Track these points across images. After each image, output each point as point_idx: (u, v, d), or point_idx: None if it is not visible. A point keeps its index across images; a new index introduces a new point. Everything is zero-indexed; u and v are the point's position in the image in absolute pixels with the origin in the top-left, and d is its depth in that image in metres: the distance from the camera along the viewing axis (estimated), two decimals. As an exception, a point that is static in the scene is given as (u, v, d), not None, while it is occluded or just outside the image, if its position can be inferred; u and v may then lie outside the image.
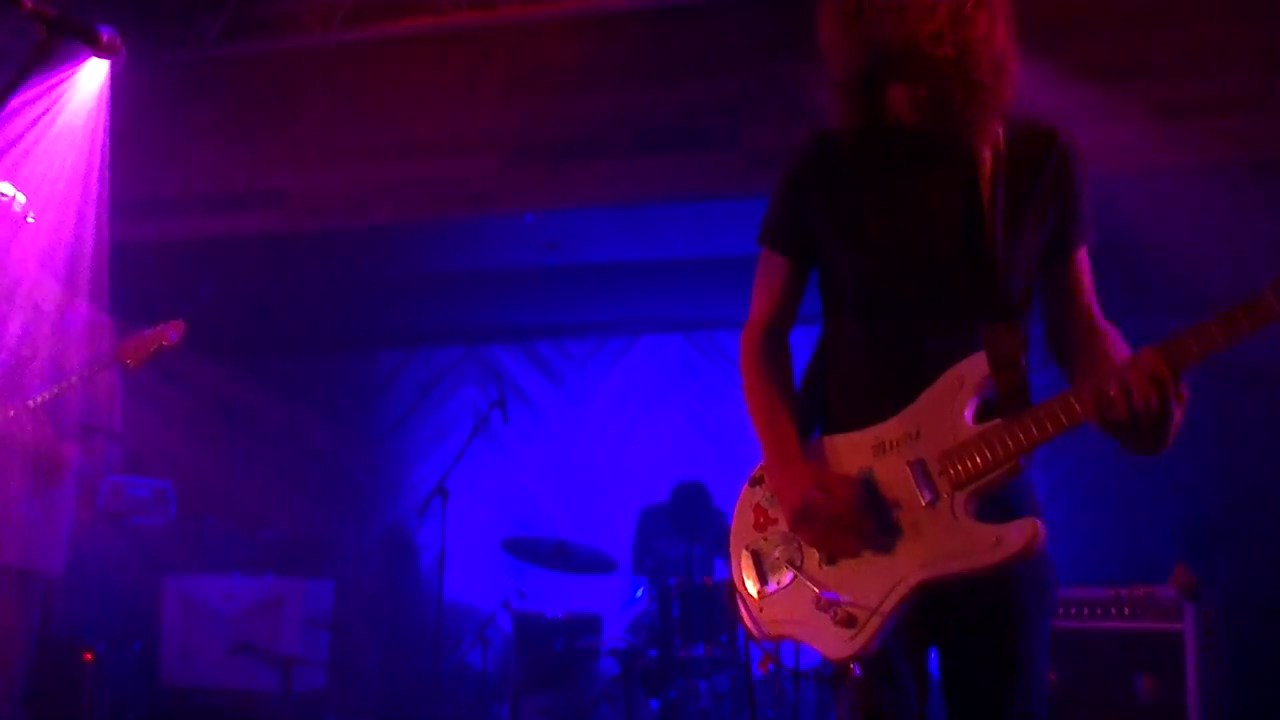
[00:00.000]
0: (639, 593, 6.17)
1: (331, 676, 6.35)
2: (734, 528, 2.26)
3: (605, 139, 5.94)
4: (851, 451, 2.13)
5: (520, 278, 7.20)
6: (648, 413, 7.74)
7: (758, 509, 2.22)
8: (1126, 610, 4.44)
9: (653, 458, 7.28)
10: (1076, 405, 1.94)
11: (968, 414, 2.02)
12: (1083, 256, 2.18)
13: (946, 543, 1.97)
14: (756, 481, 2.24)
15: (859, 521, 2.03)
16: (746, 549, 2.21)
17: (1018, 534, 1.92)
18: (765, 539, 2.18)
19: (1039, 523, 1.93)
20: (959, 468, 1.99)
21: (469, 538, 6.74)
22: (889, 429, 2.09)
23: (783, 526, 2.15)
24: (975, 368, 2.03)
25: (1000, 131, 2.11)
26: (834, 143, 2.19)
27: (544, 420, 7.94)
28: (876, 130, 2.08)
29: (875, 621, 1.98)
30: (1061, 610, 4.51)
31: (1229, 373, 6.88)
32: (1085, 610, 4.47)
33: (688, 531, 6.21)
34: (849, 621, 2.00)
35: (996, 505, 2.01)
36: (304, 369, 8.29)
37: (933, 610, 2.05)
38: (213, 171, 6.44)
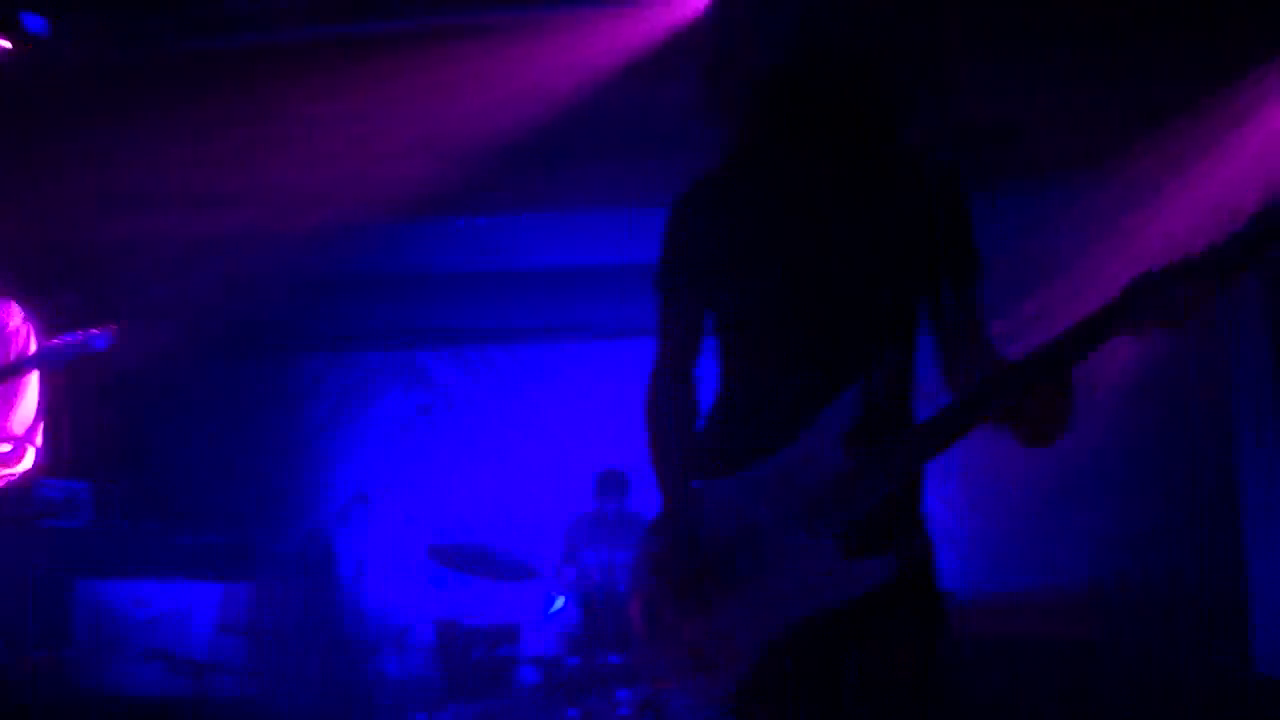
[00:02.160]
0: (559, 602, 6.15)
1: (248, 684, 6.24)
2: (636, 569, 2.23)
3: (539, 146, 5.93)
4: (737, 491, 2.09)
5: (450, 281, 7.16)
6: (574, 420, 7.72)
7: (654, 555, 2.19)
8: (1039, 617, 4.52)
9: (578, 465, 7.27)
10: (952, 420, 1.93)
11: (844, 448, 1.97)
12: (974, 289, 2.16)
13: (814, 579, 1.96)
14: (657, 527, 2.20)
15: (703, 581, 2.02)
16: (643, 591, 2.19)
17: (877, 569, 1.93)
18: (656, 582, 2.14)
19: (897, 557, 1.94)
20: (829, 502, 1.96)
21: (390, 543, 6.67)
22: (773, 465, 2.05)
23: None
24: (855, 398, 1.99)
25: (891, 160, 2.11)
26: (716, 178, 2.19)
27: (470, 425, 7.89)
28: (762, 161, 2.09)
29: (738, 665, 1.98)
30: (976, 618, 4.58)
31: (1145, 382, 7.06)
32: (999, 617, 4.55)
33: (610, 528, 6.24)
34: (716, 665, 2.00)
35: (875, 526, 1.99)
36: (227, 372, 8.14)
37: (822, 650, 2.03)
38: (151, 170, 6.31)
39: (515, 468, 7.66)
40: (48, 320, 3.96)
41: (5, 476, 3.77)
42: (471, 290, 7.25)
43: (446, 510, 7.55)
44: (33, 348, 3.75)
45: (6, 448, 3.77)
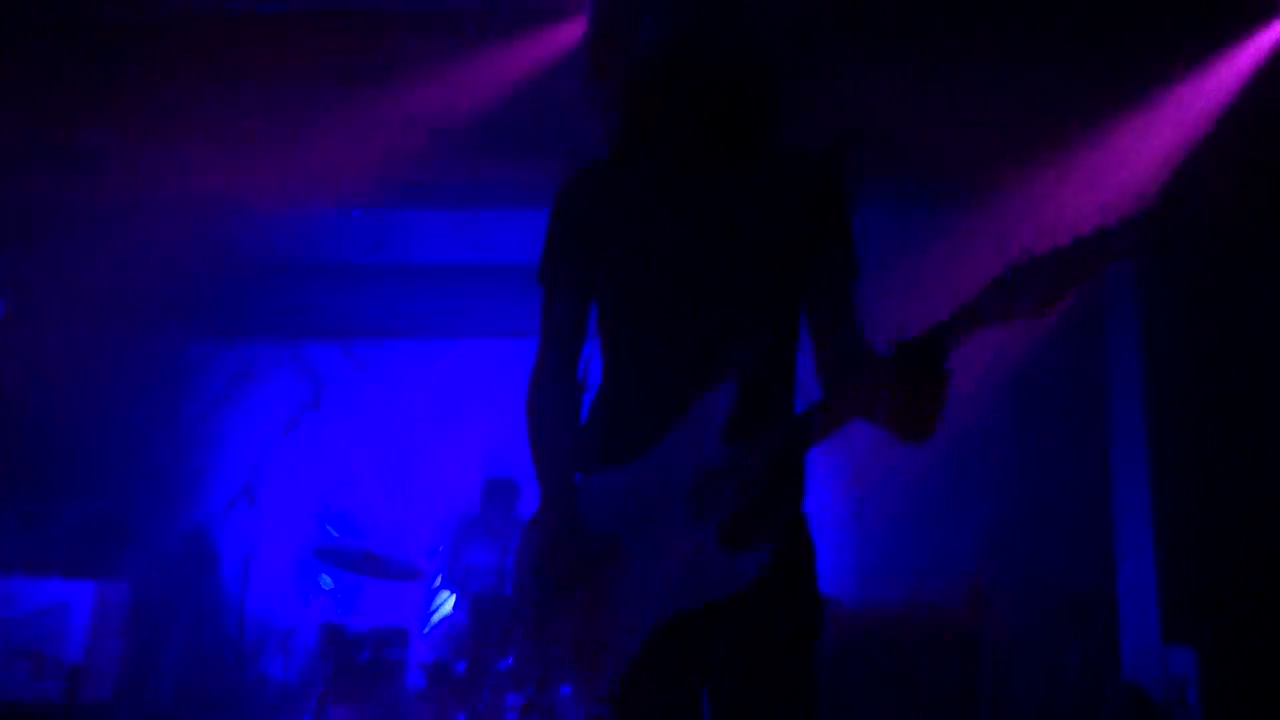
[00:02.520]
0: (445, 606, 6.07)
1: (122, 686, 6.04)
2: (519, 553, 2.23)
3: (438, 139, 5.85)
4: (616, 488, 2.10)
5: (342, 273, 7.03)
6: (466, 418, 7.65)
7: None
8: (924, 624, 4.61)
9: (468, 464, 7.20)
10: (825, 412, 1.91)
11: (716, 443, 1.98)
12: (850, 288, 2.18)
13: (686, 577, 1.96)
14: (535, 523, 2.20)
15: (583, 577, 2.04)
16: (527, 589, 2.19)
17: (750, 565, 1.92)
18: (541, 579, 2.15)
19: (767, 551, 1.92)
20: (702, 499, 1.96)
21: (275, 542, 6.52)
22: (648, 464, 2.06)
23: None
24: (726, 394, 1.99)
25: (770, 158, 2.13)
26: (601, 167, 2.20)
27: (359, 422, 7.76)
28: (642, 155, 2.10)
29: (618, 661, 1.98)
30: (863, 623, 4.65)
31: (1029, 387, 7.26)
32: (885, 623, 4.62)
33: (498, 535, 6.18)
34: (599, 661, 2.01)
35: (752, 520, 1.97)
36: (103, 348, 7.83)
37: (700, 650, 2.03)
38: (32, 137, 6.07)
39: (403, 465, 7.56)
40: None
41: None
42: (363, 283, 7.13)
43: (332, 508, 7.41)
44: None
45: None
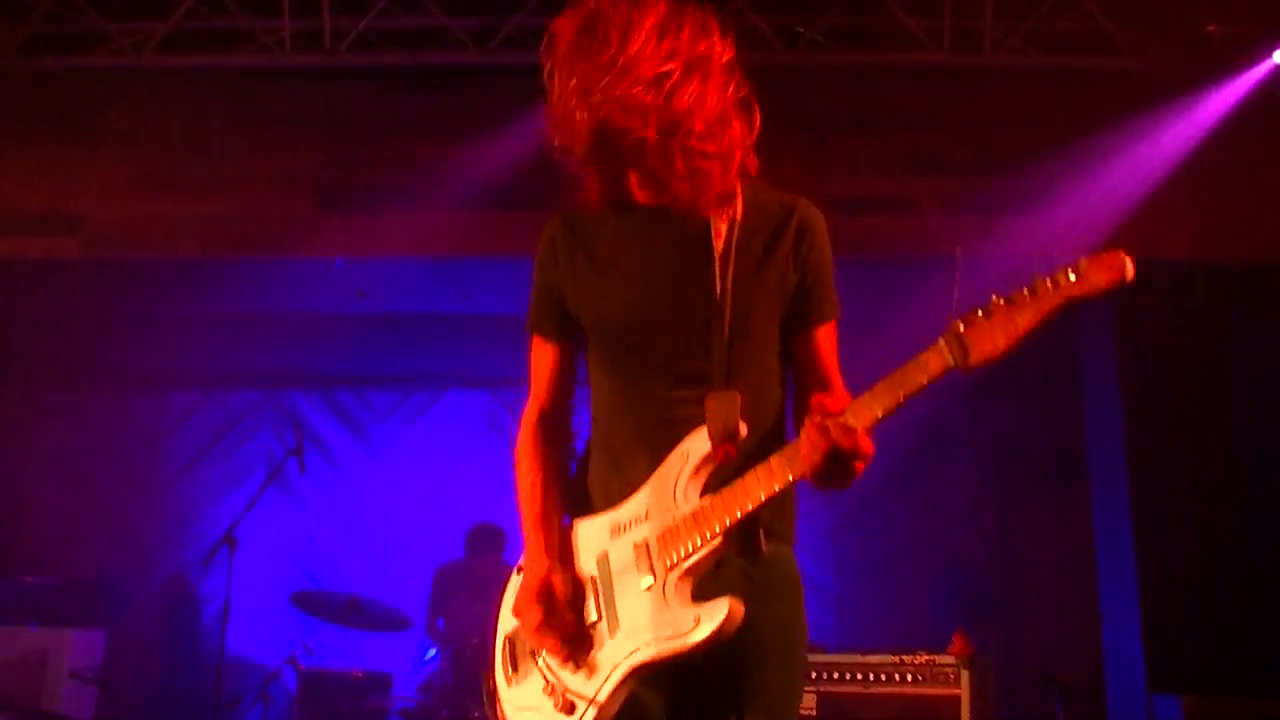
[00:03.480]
0: (430, 654, 6.04)
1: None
2: (500, 615, 2.24)
3: (422, 190, 5.91)
4: (593, 535, 2.12)
5: (326, 323, 7.04)
6: (449, 468, 7.63)
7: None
8: (909, 676, 4.60)
9: (452, 514, 7.17)
10: (777, 468, 1.93)
11: (689, 491, 2.00)
12: (825, 331, 2.18)
13: (657, 626, 1.96)
14: (520, 570, 2.21)
15: (555, 630, 2.04)
16: (506, 638, 2.21)
17: (713, 613, 1.91)
18: (520, 631, 2.17)
19: (734, 602, 1.91)
20: (672, 550, 1.98)
21: (256, 590, 6.48)
22: (626, 510, 2.08)
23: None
24: (697, 442, 2.01)
25: (739, 201, 2.13)
26: (577, 218, 2.22)
27: (342, 471, 7.74)
28: (617, 202, 2.12)
29: (592, 710, 1.98)
30: (847, 675, 4.64)
31: (1009, 457, 7.32)
32: (870, 675, 4.61)
33: (482, 583, 6.14)
34: (570, 710, 2.01)
35: (722, 567, 2.00)
36: (88, 404, 7.84)
37: (685, 675, 2.02)
38: (3, 190, 6.09)
39: (387, 514, 7.53)
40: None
41: None
42: (347, 333, 7.14)
43: (315, 556, 7.37)
44: None
45: None
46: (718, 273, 2.08)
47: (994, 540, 7.22)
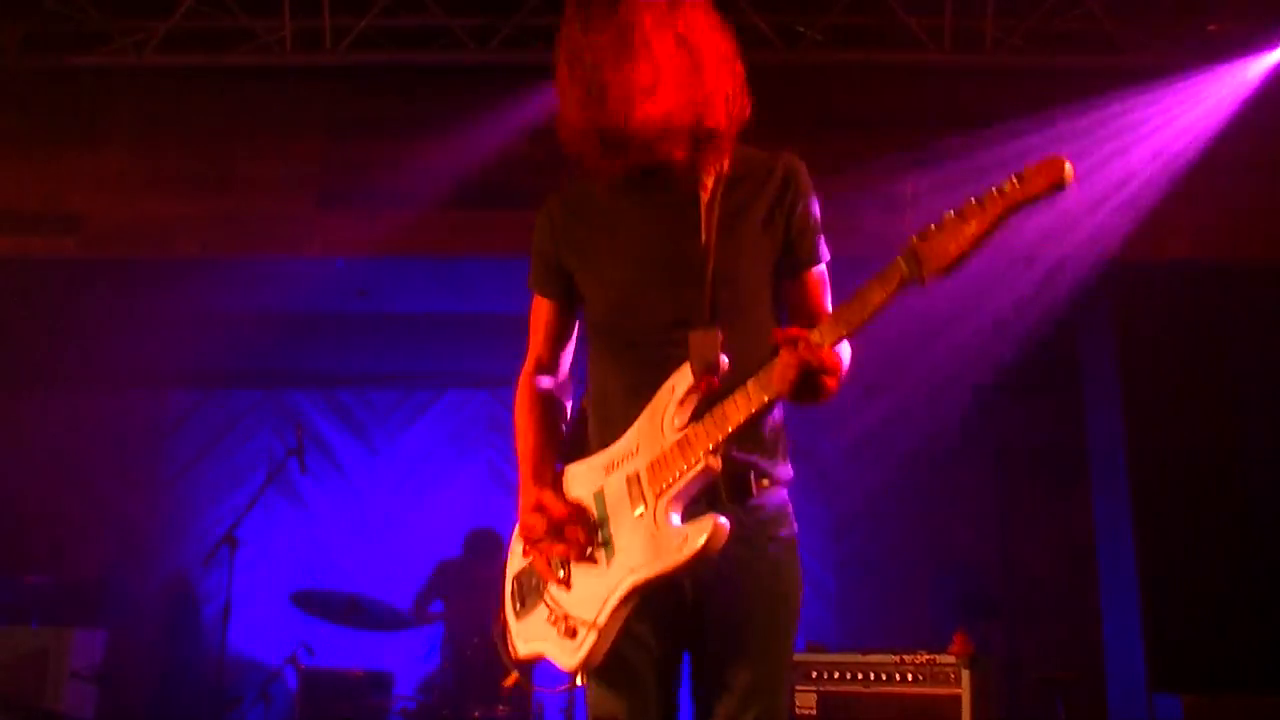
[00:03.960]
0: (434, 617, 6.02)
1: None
2: (509, 558, 2.37)
3: (422, 189, 5.90)
4: (588, 475, 2.23)
5: (327, 323, 7.04)
6: (450, 467, 7.64)
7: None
8: (909, 675, 4.60)
9: (452, 514, 7.17)
10: (753, 390, 2.03)
11: (675, 422, 2.12)
12: (815, 275, 2.30)
13: (648, 548, 2.07)
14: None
15: (565, 535, 2.15)
16: (513, 577, 2.34)
17: (699, 531, 2.01)
18: (527, 567, 2.30)
19: (719, 518, 2.01)
20: (661, 478, 2.09)
21: (257, 589, 6.48)
22: (619, 448, 2.20)
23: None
24: (682, 377, 2.13)
25: (726, 158, 2.25)
26: (573, 195, 2.37)
27: (343, 471, 7.74)
28: (614, 178, 2.23)
29: (593, 634, 2.09)
30: (847, 675, 4.64)
31: (1010, 457, 7.32)
32: (870, 675, 4.61)
33: (482, 585, 6.15)
34: (573, 634, 2.13)
35: (711, 490, 2.10)
36: (88, 403, 7.84)
37: (679, 616, 2.17)
38: (3, 187, 6.09)
39: (387, 514, 7.53)
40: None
41: None
42: (348, 332, 7.14)
43: (315, 555, 7.37)
44: None
45: None
46: (703, 222, 2.21)
47: (994, 540, 7.21)
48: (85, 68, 5.97)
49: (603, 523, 2.16)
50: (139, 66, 5.90)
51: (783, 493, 2.26)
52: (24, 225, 6.07)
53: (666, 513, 2.07)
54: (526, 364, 2.45)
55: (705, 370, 2.09)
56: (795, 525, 2.26)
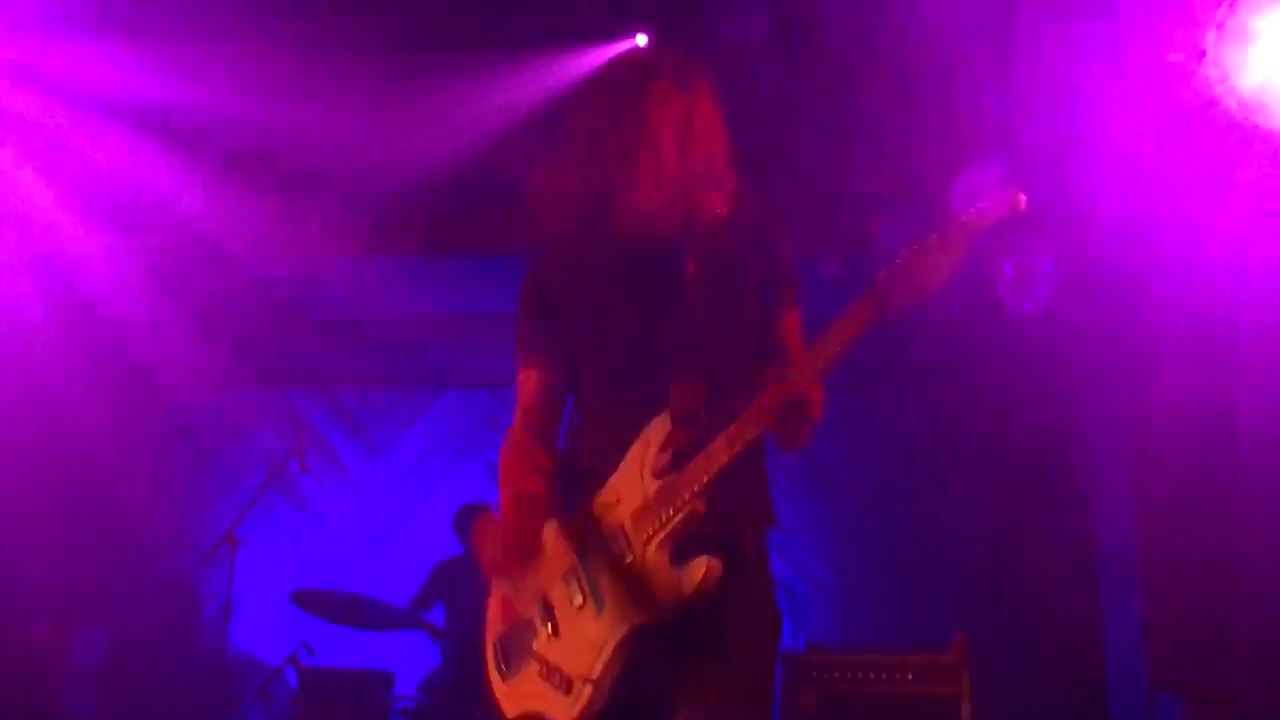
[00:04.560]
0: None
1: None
2: (486, 623, 2.38)
3: (423, 189, 5.90)
4: (572, 528, 2.24)
5: (326, 322, 7.04)
6: (450, 467, 7.64)
7: (504, 601, 2.34)
8: (909, 676, 4.60)
9: (452, 512, 7.17)
10: (735, 432, 2.06)
11: (654, 471, 2.14)
12: (790, 318, 2.36)
13: (640, 595, 2.09)
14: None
15: (549, 604, 2.20)
16: (494, 642, 2.34)
17: (694, 573, 2.05)
18: (509, 628, 2.32)
19: (710, 559, 2.05)
20: (646, 526, 2.11)
21: (257, 589, 6.48)
22: (603, 495, 2.22)
23: (524, 612, 2.26)
24: (659, 427, 2.17)
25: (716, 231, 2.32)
26: (559, 250, 2.42)
27: (343, 470, 7.74)
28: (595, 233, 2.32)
29: (589, 686, 2.10)
30: (847, 675, 4.64)
31: (1010, 457, 7.31)
32: (870, 675, 4.61)
33: (481, 578, 6.14)
34: (568, 688, 2.13)
35: (696, 535, 2.11)
36: (84, 402, 7.82)
37: (666, 662, 2.15)
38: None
39: (388, 513, 7.53)
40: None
41: None
42: (348, 332, 7.14)
43: (316, 555, 7.37)
44: None
45: None
46: (686, 275, 2.27)
47: (994, 540, 7.21)
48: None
49: (591, 576, 2.17)
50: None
51: (762, 540, 2.30)
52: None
53: (654, 559, 2.09)
54: (514, 426, 2.43)
55: (685, 421, 2.14)
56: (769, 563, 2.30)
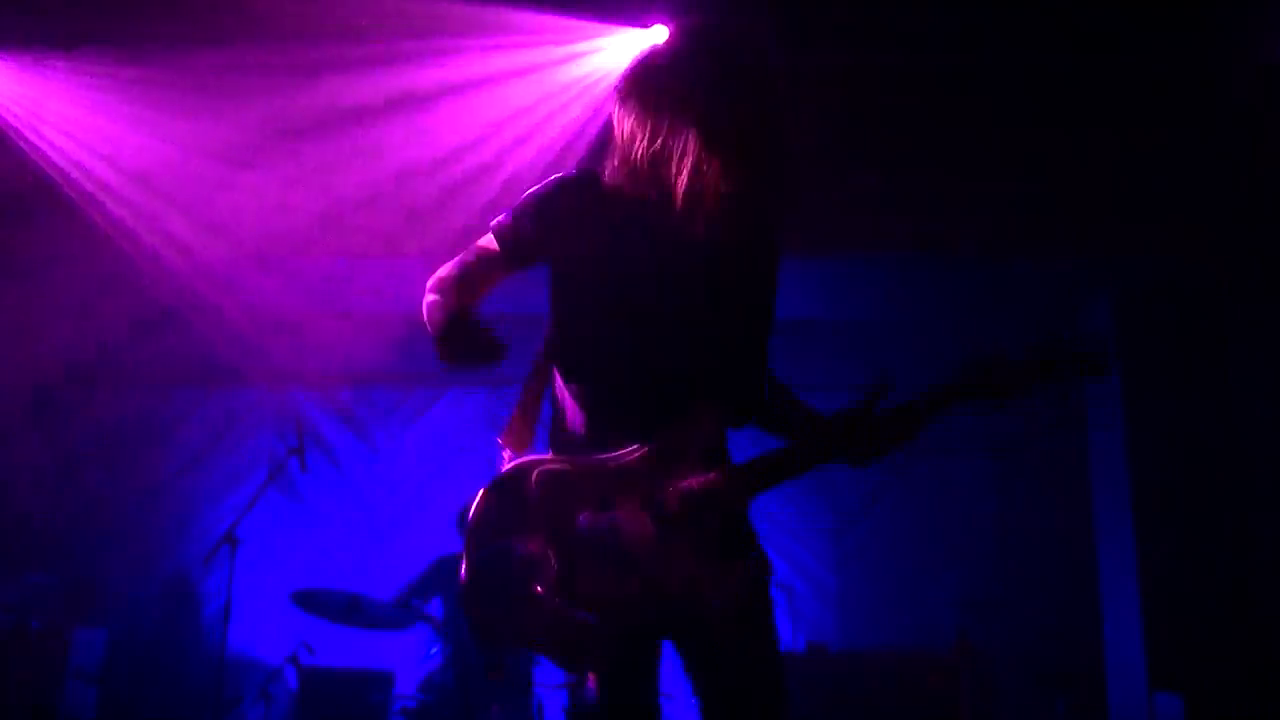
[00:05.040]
0: (432, 650, 6.05)
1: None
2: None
3: (423, 189, 5.90)
4: (593, 476, 2.21)
5: (326, 322, 7.03)
6: (451, 466, 7.64)
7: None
8: (910, 675, 4.61)
9: (452, 513, 7.17)
10: (806, 451, 2.21)
11: (690, 464, 2.19)
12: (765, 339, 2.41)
13: (669, 574, 2.13)
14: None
15: (565, 564, 2.17)
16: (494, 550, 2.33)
17: (732, 572, 2.17)
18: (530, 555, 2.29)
19: (743, 563, 2.20)
20: (677, 512, 2.15)
21: (257, 588, 6.47)
22: (633, 461, 2.21)
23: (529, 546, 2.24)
24: (700, 422, 2.23)
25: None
26: (612, 192, 2.33)
27: (343, 470, 7.74)
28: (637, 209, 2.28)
29: (601, 644, 2.13)
30: (848, 674, 4.65)
31: (1010, 456, 7.32)
32: (870, 674, 4.63)
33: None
34: (580, 643, 2.14)
35: (726, 536, 2.21)
36: (85, 402, 7.83)
37: (663, 616, 2.21)
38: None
39: (388, 513, 7.52)
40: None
41: None
42: (348, 331, 7.13)
43: (316, 555, 7.37)
44: None
45: None
46: (728, 265, 2.29)
47: (994, 540, 7.21)
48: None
49: (613, 540, 2.16)
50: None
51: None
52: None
53: (683, 549, 2.14)
54: (451, 282, 2.39)
55: (726, 421, 2.26)
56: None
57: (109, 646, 6.16)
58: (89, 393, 7.83)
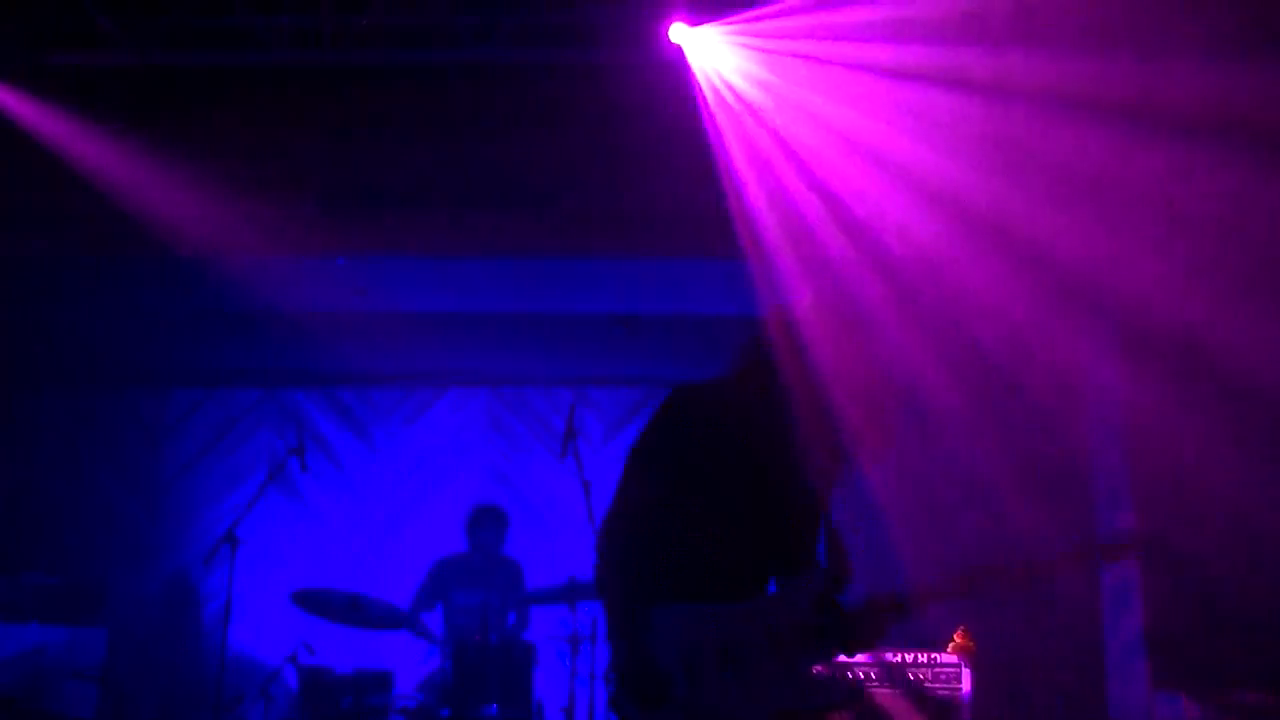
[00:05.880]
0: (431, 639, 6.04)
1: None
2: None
3: (424, 189, 5.90)
4: (709, 619, 2.60)
5: (327, 321, 7.03)
6: (451, 466, 7.64)
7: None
8: (909, 675, 4.61)
9: (453, 513, 7.17)
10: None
11: (807, 609, 2.70)
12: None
13: (786, 687, 2.58)
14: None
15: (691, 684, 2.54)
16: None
17: (841, 687, 2.76)
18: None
19: (857, 687, 2.68)
20: (794, 643, 2.63)
21: (258, 588, 6.48)
22: (740, 609, 2.65)
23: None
24: (814, 579, 2.76)
25: None
26: (717, 392, 2.88)
27: (344, 470, 7.74)
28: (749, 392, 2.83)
29: None
30: (850, 673, 4.64)
31: (1009, 455, 7.30)
32: (870, 675, 4.62)
33: (480, 575, 6.18)
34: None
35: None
36: (87, 403, 7.84)
37: None
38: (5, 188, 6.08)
39: (388, 513, 7.53)
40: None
41: None
42: (348, 331, 7.13)
43: (316, 554, 7.37)
44: None
45: None
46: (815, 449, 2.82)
47: (994, 540, 7.20)
48: (87, 66, 5.96)
49: (737, 659, 2.57)
50: (140, 65, 5.89)
51: None
52: (18, 223, 6.06)
53: (800, 666, 2.65)
54: (620, 524, 2.71)
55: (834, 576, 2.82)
56: None
57: (109, 646, 6.15)
58: (90, 393, 7.84)
